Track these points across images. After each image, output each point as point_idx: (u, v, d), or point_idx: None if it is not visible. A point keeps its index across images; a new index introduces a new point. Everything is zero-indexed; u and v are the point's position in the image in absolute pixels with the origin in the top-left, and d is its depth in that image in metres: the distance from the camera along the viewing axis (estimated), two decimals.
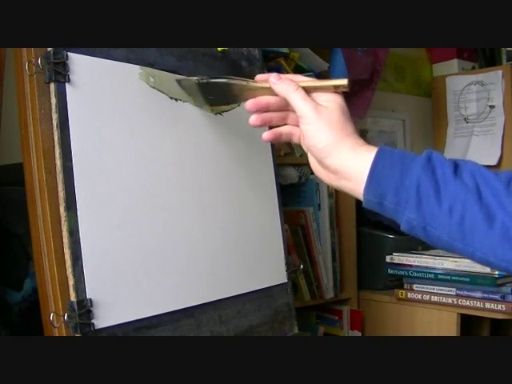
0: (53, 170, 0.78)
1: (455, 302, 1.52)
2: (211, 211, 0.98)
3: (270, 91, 0.76)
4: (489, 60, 2.24)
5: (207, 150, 0.99)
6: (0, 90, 0.98)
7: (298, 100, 0.72)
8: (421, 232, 0.66)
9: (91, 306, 0.78)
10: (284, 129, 0.78)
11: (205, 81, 0.88)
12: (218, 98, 0.92)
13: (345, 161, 0.69)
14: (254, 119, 0.77)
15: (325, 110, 0.71)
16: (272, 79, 0.75)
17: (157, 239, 0.88)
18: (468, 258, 0.65)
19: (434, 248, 1.70)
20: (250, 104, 0.77)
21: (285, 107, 0.77)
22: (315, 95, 0.73)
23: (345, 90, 0.73)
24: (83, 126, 0.81)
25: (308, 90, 0.73)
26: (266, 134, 0.78)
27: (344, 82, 0.72)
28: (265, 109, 0.77)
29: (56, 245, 0.77)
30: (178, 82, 0.94)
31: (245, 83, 0.80)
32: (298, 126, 0.75)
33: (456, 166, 0.66)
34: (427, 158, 0.66)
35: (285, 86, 0.73)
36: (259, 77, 0.79)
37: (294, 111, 0.74)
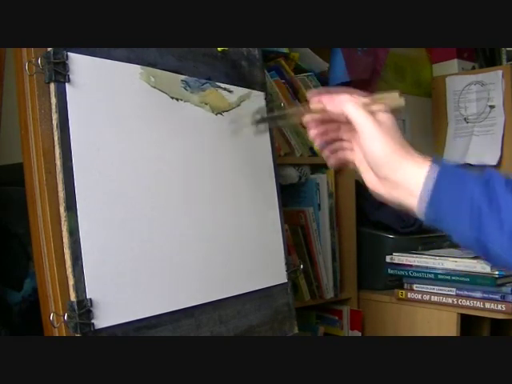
0: (53, 170, 0.78)
1: (455, 302, 1.52)
2: (211, 211, 0.98)
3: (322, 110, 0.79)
4: (489, 60, 2.24)
5: (208, 149, 0.99)
6: (0, 89, 0.98)
7: (355, 113, 0.73)
8: (475, 246, 0.67)
9: (91, 306, 0.78)
10: (341, 155, 0.81)
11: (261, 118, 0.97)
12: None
13: (403, 171, 0.71)
14: (313, 133, 0.81)
15: (382, 122, 0.73)
16: (324, 101, 0.77)
17: (157, 239, 0.88)
18: None
19: (434, 248, 1.70)
20: (307, 120, 0.80)
21: (336, 118, 0.79)
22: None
23: (400, 108, 0.76)
24: (83, 125, 0.81)
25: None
26: (332, 162, 0.82)
27: (401, 102, 0.76)
28: (320, 122, 0.80)
29: (56, 245, 0.77)
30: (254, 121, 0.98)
31: (299, 110, 0.86)
32: (350, 141, 0.78)
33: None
34: (485, 179, 0.67)
35: (340, 104, 0.75)
36: (311, 95, 0.80)
37: (347, 124, 0.76)
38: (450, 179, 0.68)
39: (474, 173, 0.68)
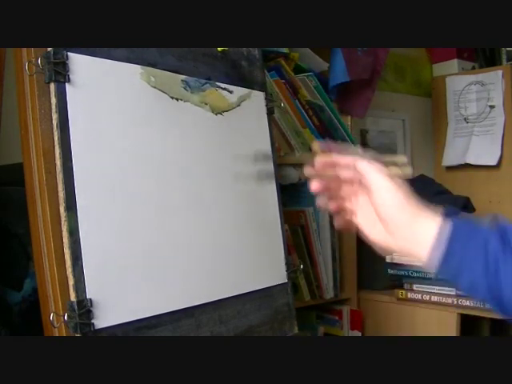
0: (53, 170, 0.78)
1: (455, 302, 1.52)
2: (211, 211, 0.98)
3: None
4: (489, 60, 2.24)
5: (208, 149, 0.99)
6: (0, 89, 0.98)
7: (368, 167, 0.74)
8: (493, 299, 0.68)
9: (91, 306, 0.77)
10: (347, 217, 0.80)
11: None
12: None
13: (414, 225, 0.71)
14: (315, 186, 0.79)
15: (394, 177, 0.74)
16: (335, 153, 0.77)
17: (157, 239, 0.88)
18: None
19: None
20: (309, 172, 0.79)
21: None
22: None
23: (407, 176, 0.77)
24: (83, 125, 0.81)
25: None
26: (340, 223, 0.81)
27: (408, 172, 0.77)
28: (322, 172, 0.79)
29: (56, 245, 0.77)
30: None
31: (306, 158, 0.84)
32: (350, 199, 0.79)
33: None
34: (499, 229, 0.68)
35: (350, 156, 0.76)
36: (319, 145, 0.80)
37: (346, 178, 0.77)
38: (463, 231, 0.69)
39: (486, 224, 0.69)
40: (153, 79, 0.92)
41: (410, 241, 0.72)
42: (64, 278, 0.77)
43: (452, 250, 0.69)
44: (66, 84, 0.80)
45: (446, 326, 1.53)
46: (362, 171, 0.75)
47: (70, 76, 0.81)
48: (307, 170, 0.80)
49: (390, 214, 0.73)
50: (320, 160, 0.78)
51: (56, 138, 0.79)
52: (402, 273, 1.63)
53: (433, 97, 2.28)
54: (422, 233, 0.71)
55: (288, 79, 1.56)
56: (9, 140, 1.03)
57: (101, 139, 0.83)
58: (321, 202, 0.81)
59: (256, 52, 1.14)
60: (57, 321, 0.76)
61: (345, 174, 0.77)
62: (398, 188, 0.73)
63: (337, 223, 0.82)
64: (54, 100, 0.79)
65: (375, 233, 0.77)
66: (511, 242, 0.66)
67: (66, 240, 0.77)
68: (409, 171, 0.77)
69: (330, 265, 1.60)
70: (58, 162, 0.78)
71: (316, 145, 0.80)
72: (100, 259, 0.80)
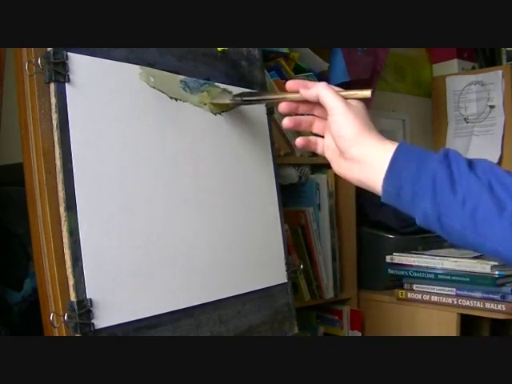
0: (53, 171, 0.78)
1: (455, 302, 1.52)
2: (211, 211, 0.98)
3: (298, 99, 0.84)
4: (489, 60, 2.24)
5: (207, 150, 0.99)
6: (0, 89, 0.98)
7: (328, 95, 0.78)
8: (435, 223, 0.69)
9: (91, 306, 0.77)
10: (312, 138, 0.86)
11: (239, 99, 0.99)
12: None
13: (369, 150, 0.74)
14: (286, 122, 0.85)
15: (352, 105, 0.78)
16: (301, 89, 0.81)
17: (157, 239, 0.88)
18: (479, 250, 0.68)
19: (434, 248, 1.70)
20: (283, 106, 0.84)
21: (311, 111, 0.84)
22: None
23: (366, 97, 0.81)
24: (83, 126, 0.81)
25: None
26: (300, 140, 0.86)
27: (368, 93, 0.80)
28: (295, 110, 0.84)
29: (56, 245, 0.77)
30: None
31: (276, 96, 0.92)
32: (322, 135, 0.84)
33: (471, 162, 0.69)
34: (444, 154, 0.70)
35: (315, 87, 0.80)
36: (290, 84, 0.85)
37: (320, 116, 0.83)
38: (409, 153, 0.72)
39: (435, 152, 0.72)
40: (152, 79, 0.92)
41: (369, 172, 0.74)
42: (64, 278, 0.77)
43: (396, 171, 0.70)
44: (66, 84, 0.80)
45: (446, 325, 1.53)
46: (321, 98, 0.78)
47: (70, 76, 0.81)
48: (281, 107, 0.84)
49: (344, 140, 0.76)
50: (290, 98, 0.83)
51: (56, 138, 0.79)
52: (402, 273, 1.63)
53: (433, 97, 2.28)
54: (374, 158, 0.73)
55: (288, 79, 1.56)
56: (9, 140, 1.03)
57: (101, 139, 0.83)
58: (287, 124, 0.85)
59: (256, 52, 1.14)
60: (57, 321, 0.76)
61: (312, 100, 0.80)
62: (354, 115, 0.76)
63: (299, 142, 0.86)
64: (53, 100, 0.79)
65: (342, 167, 0.79)
66: (452, 162, 0.68)
67: (65, 240, 0.77)
68: (368, 93, 0.79)
69: (329, 265, 1.60)
70: (58, 163, 0.78)
71: (289, 84, 0.84)
72: (100, 259, 0.80)
